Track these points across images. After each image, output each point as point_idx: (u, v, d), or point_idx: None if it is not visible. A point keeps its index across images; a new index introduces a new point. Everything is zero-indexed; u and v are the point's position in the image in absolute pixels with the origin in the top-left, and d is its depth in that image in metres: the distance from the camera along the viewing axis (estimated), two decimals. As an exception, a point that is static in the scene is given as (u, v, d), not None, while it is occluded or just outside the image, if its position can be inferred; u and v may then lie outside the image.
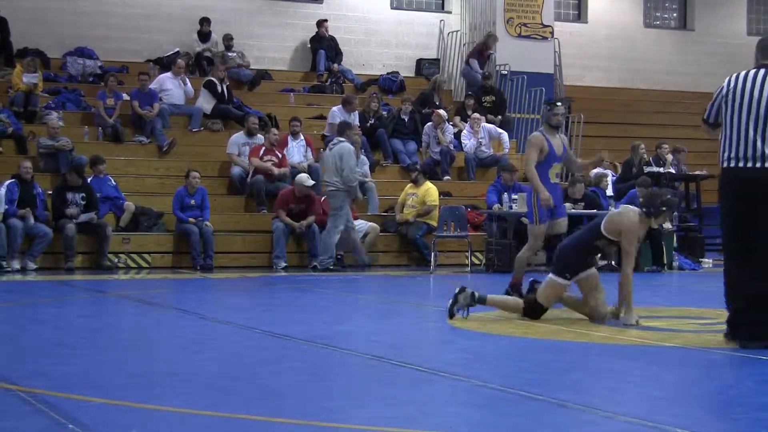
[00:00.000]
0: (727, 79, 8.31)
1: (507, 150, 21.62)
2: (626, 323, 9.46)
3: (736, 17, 29.50)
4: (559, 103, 12.22)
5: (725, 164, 8.13)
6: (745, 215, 8.10)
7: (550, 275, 9.82)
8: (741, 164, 8.03)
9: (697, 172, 21.05)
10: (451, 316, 10.02)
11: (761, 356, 7.78)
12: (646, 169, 19.82)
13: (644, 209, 9.60)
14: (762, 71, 8.18)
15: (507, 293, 11.50)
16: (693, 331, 9.28)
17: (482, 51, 23.78)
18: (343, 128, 17.45)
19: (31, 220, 16.25)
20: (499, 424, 5.55)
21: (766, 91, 8.06)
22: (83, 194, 16.78)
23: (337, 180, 16.70)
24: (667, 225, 16.87)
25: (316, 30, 23.94)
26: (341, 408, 5.91)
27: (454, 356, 8.00)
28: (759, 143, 7.97)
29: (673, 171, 20.64)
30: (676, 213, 19.22)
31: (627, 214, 9.65)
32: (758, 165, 7.98)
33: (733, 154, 8.06)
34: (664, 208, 9.56)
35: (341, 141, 17.16)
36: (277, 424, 5.51)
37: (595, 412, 5.78)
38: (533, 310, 9.80)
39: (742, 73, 8.23)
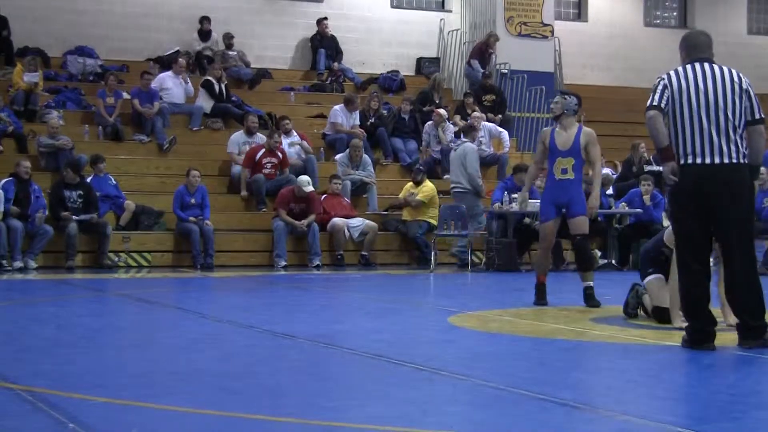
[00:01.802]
0: (665, 75, 8.19)
1: (507, 149, 21.62)
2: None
3: (736, 16, 29.50)
4: (558, 94, 11.90)
5: (681, 161, 7.95)
6: (703, 213, 7.96)
7: (648, 279, 9.89)
8: (699, 160, 7.89)
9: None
10: (629, 315, 10.13)
11: (762, 355, 7.78)
12: (647, 168, 19.82)
13: None
14: (706, 65, 8.16)
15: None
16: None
17: (483, 50, 23.78)
18: (466, 129, 18.32)
19: (36, 221, 16.27)
20: (500, 424, 5.55)
21: (710, 81, 8.04)
22: (80, 192, 16.78)
23: (463, 180, 17.46)
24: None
25: (317, 29, 23.94)
26: (341, 407, 5.91)
27: (455, 355, 7.99)
28: (711, 134, 7.89)
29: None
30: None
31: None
32: (716, 160, 7.87)
33: (689, 149, 7.90)
34: None
35: (465, 141, 17.93)
36: (278, 423, 5.51)
37: (595, 411, 5.79)
38: (662, 316, 9.77)
39: (680, 69, 8.19)
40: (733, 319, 9.21)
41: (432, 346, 8.75)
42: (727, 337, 8.82)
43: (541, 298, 11.42)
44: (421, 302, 12.70)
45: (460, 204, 17.53)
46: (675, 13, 29.41)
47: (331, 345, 8.29)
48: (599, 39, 27.83)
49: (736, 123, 7.96)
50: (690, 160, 7.92)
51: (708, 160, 7.89)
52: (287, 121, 19.67)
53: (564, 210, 11.34)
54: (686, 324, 8.68)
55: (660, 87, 8.10)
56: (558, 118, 11.41)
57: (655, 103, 8.04)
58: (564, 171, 11.26)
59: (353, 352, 7.95)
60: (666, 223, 17.61)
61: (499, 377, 6.82)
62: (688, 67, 8.19)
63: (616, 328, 9.54)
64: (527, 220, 17.72)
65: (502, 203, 17.21)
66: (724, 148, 7.89)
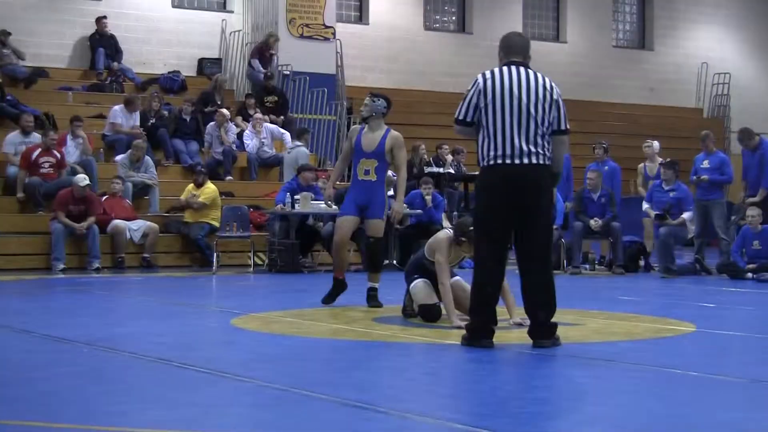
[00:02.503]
0: (480, 77, 8.21)
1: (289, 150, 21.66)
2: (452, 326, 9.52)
3: (513, 21, 30.21)
4: (368, 96, 11.71)
5: (490, 162, 8.06)
6: (508, 210, 8.10)
7: (414, 283, 10.16)
8: (508, 161, 8.01)
9: (475, 173, 21.47)
10: (408, 315, 10.25)
11: (541, 353, 8.00)
12: (427, 170, 20.17)
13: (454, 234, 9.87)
14: (516, 68, 8.23)
15: None
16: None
17: (264, 51, 23.77)
18: (301, 133, 18.76)
19: None
20: (283, 425, 5.55)
21: (524, 88, 8.12)
22: None
23: None
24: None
25: (96, 27, 23.48)
26: (123, 411, 5.82)
27: (238, 357, 7.97)
28: (521, 142, 8.02)
29: (453, 171, 21.04)
30: (455, 213, 19.64)
31: (438, 234, 10.15)
32: (525, 161, 8.03)
33: (500, 152, 8.02)
34: (464, 239, 9.69)
35: (299, 145, 18.39)
36: (58, 429, 5.39)
37: (378, 410, 5.84)
38: (428, 313, 10.05)
39: (496, 71, 8.22)
40: (517, 318, 9.49)
41: (214, 349, 8.71)
42: (509, 335, 9.06)
43: (332, 296, 11.41)
44: (203, 304, 12.61)
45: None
46: (454, 18, 29.98)
47: (111, 349, 8.15)
48: (380, 42, 28.15)
49: (544, 130, 8.12)
50: (499, 161, 8.03)
51: (517, 161, 8.02)
52: (79, 123, 19.15)
53: (362, 211, 11.31)
54: (465, 322, 8.87)
55: (470, 95, 8.16)
56: (366, 120, 11.38)
57: (460, 117, 8.21)
58: (366, 172, 11.22)
59: (134, 356, 7.84)
60: (446, 224, 18.00)
61: (282, 378, 6.82)
62: (504, 69, 8.24)
63: (398, 327, 9.67)
64: (311, 221, 17.79)
65: (284, 205, 17.22)
66: (532, 153, 8.04)
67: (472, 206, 20.78)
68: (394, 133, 11.40)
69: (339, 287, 11.48)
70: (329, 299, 11.45)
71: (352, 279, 14.89)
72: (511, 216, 8.11)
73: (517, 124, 8.04)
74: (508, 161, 8.02)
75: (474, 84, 8.19)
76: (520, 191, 8.08)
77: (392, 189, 13.04)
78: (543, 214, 8.25)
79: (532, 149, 8.04)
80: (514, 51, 8.42)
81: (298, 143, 18.63)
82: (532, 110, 8.08)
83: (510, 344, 8.58)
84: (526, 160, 8.04)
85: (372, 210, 11.27)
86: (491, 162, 8.07)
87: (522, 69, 8.25)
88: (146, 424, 5.48)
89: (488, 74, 8.21)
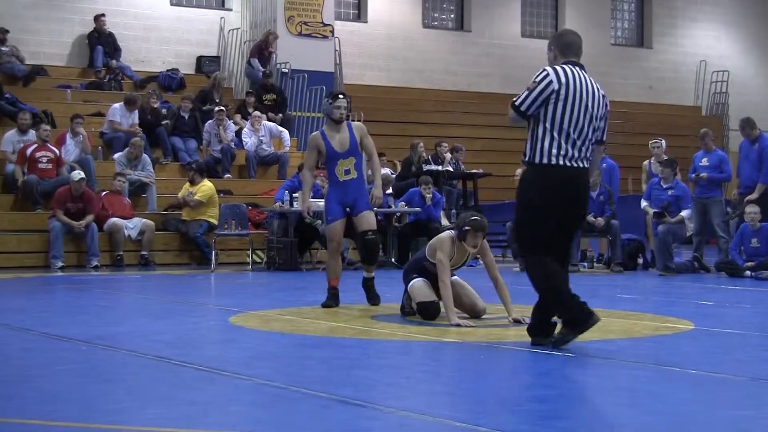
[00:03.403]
0: (551, 73, 7.94)
1: (288, 148, 21.69)
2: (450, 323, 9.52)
3: (511, 19, 30.28)
4: (341, 96, 11.39)
5: (552, 161, 7.89)
6: (563, 210, 7.99)
7: (412, 283, 10.18)
8: (569, 163, 7.90)
9: (474, 171, 21.51)
10: (407, 314, 10.23)
11: (539, 350, 8.00)
12: (426, 168, 20.15)
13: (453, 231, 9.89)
14: (580, 71, 8.05)
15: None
16: (473, 326, 9.45)
17: (263, 49, 23.77)
18: None
19: None
20: (282, 423, 5.56)
21: (590, 93, 7.99)
22: None
23: None
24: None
25: (94, 25, 23.47)
26: (123, 410, 5.82)
27: (237, 355, 7.97)
28: (581, 145, 7.94)
29: (452, 169, 21.04)
30: (454, 211, 19.63)
31: (441, 235, 10.14)
32: (581, 165, 7.97)
33: (563, 152, 7.87)
34: (467, 228, 9.71)
35: None
36: (56, 427, 5.38)
37: (376, 408, 5.84)
38: (426, 310, 10.03)
39: (567, 69, 7.97)
40: (516, 316, 9.51)
41: (213, 347, 8.71)
42: (508, 333, 9.07)
43: (331, 301, 11.22)
44: (202, 302, 12.60)
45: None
46: (452, 16, 29.98)
47: (110, 347, 8.15)
48: (378, 40, 28.17)
49: (595, 138, 8.08)
50: (561, 161, 7.89)
51: (576, 164, 7.93)
52: (79, 120, 19.16)
53: (349, 209, 11.29)
54: (464, 320, 8.86)
55: (539, 88, 7.90)
56: (339, 122, 11.26)
57: (523, 108, 7.95)
58: (347, 172, 11.19)
59: (133, 354, 7.84)
60: (445, 222, 18.02)
61: (281, 376, 6.82)
62: (570, 69, 8.01)
63: (396, 325, 9.67)
64: (308, 219, 17.78)
65: (283, 202, 17.22)
66: (586, 158, 8.01)
67: (470, 204, 20.81)
68: (355, 123, 11.55)
69: (335, 296, 11.28)
70: (329, 303, 11.23)
71: (353, 277, 14.90)
72: (560, 216, 8.02)
73: (581, 127, 7.92)
74: (569, 163, 7.91)
75: (544, 78, 7.93)
76: (575, 194, 8.02)
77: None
78: (584, 213, 8.32)
79: (587, 154, 8.00)
80: (573, 51, 8.18)
81: None
82: (594, 117, 7.99)
83: (508, 342, 8.59)
84: (581, 164, 7.98)
85: (359, 205, 11.29)
86: (552, 161, 7.90)
87: (585, 73, 8.10)
88: (145, 422, 5.48)
89: (560, 71, 7.96)
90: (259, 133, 21.26)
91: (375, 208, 11.65)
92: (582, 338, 8.79)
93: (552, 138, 7.91)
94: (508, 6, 30.22)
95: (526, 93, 7.95)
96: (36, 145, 18.08)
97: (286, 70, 23.98)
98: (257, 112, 21.61)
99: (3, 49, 22.15)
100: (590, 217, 17.04)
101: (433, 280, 9.88)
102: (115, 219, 17.53)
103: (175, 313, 11.23)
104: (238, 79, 24.94)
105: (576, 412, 5.94)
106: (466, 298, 10.02)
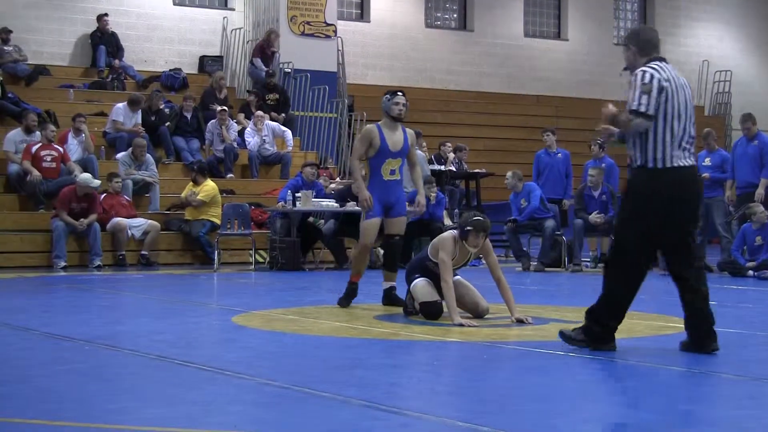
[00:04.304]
0: (655, 71, 7.69)
1: (290, 148, 21.69)
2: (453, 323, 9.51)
3: (514, 19, 30.28)
4: (399, 93, 11.36)
5: (662, 164, 7.65)
6: (671, 213, 7.75)
7: (414, 283, 10.13)
8: (680, 163, 7.68)
9: (477, 170, 21.50)
10: (409, 314, 10.22)
11: (540, 349, 8.00)
12: (428, 167, 20.13)
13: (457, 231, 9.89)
14: (670, 67, 7.82)
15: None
16: (476, 326, 9.44)
17: (265, 49, 23.76)
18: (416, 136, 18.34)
19: None
20: (284, 422, 5.55)
21: (686, 89, 7.81)
22: None
23: (409, 185, 17.41)
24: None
25: (97, 25, 23.47)
26: (124, 409, 5.82)
27: (238, 354, 7.97)
28: (685, 144, 7.74)
29: (455, 169, 21.03)
30: (456, 210, 19.63)
31: (443, 234, 10.13)
32: (689, 163, 7.75)
33: (672, 154, 7.65)
34: (469, 228, 9.71)
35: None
36: (57, 427, 5.38)
37: (378, 408, 5.84)
38: (429, 310, 10.04)
39: (665, 67, 7.74)
40: (518, 316, 9.52)
41: (215, 346, 8.71)
42: (510, 333, 9.07)
43: (348, 299, 11.07)
44: (204, 302, 12.61)
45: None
46: (455, 15, 29.97)
47: (112, 347, 8.15)
48: (381, 39, 28.17)
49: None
50: (676, 163, 7.67)
51: (685, 163, 7.70)
52: (81, 119, 19.17)
53: (387, 210, 11.14)
54: (467, 320, 8.86)
55: (655, 87, 7.63)
56: (397, 119, 11.16)
57: (650, 112, 7.59)
58: (392, 172, 11.10)
59: (135, 354, 7.84)
60: (447, 221, 18.01)
61: (283, 376, 6.82)
62: (668, 66, 7.79)
63: (399, 325, 9.66)
64: (311, 219, 17.80)
65: (286, 202, 17.21)
66: (691, 156, 7.78)
67: (473, 204, 20.81)
68: (409, 130, 11.36)
69: (354, 291, 11.14)
70: (345, 302, 11.11)
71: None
72: (675, 219, 7.77)
73: (684, 125, 7.71)
74: (683, 162, 7.69)
75: (652, 77, 7.65)
76: (698, 193, 7.85)
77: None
78: (698, 218, 8.14)
79: (692, 151, 7.80)
80: (654, 46, 7.93)
81: None
82: (690, 114, 7.80)
83: (511, 342, 8.59)
84: (689, 162, 7.76)
85: (397, 208, 11.21)
86: (668, 164, 7.66)
87: (673, 68, 7.84)
88: (147, 422, 5.47)
89: (660, 69, 7.71)
90: (262, 133, 21.26)
91: (412, 216, 11.49)
92: (584, 338, 8.79)
93: (664, 140, 7.65)
94: (511, 6, 30.21)
95: (644, 95, 7.62)
96: (41, 144, 18.09)
97: (289, 70, 23.97)
98: (260, 112, 21.60)
99: (6, 48, 22.15)
100: (593, 216, 17.03)
101: (436, 280, 9.88)
102: (118, 219, 17.53)
103: (178, 312, 11.23)
104: (240, 78, 24.93)
105: (577, 412, 5.93)
106: (468, 297, 10.02)
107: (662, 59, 7.85)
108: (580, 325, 7.99)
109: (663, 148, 7.66)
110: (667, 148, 7.66)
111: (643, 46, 7.91)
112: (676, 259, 7.97)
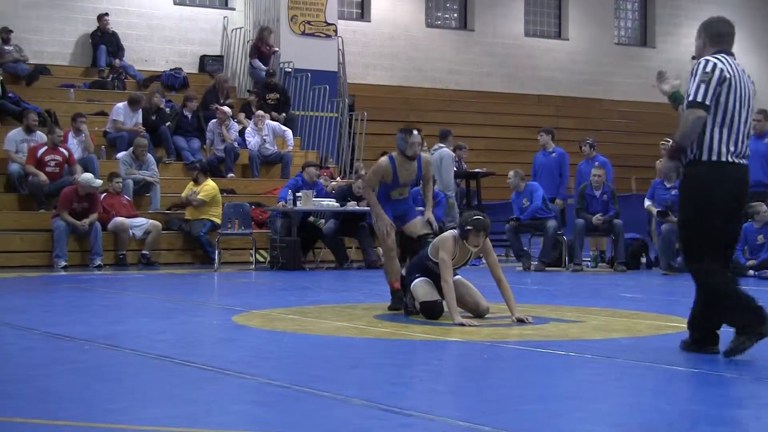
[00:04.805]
0: (717, 62, 7.55)
1: (291, 147, 21.69)
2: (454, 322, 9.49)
3: (514, 19, 30.26)
4: (416, 131, 10.99)
5: (729, 159, 7.50)
6: (733, 215, 7.66)
7: (414, 283, 10.09)
8: (741, 160, 7.56)
9: (477, 170, 21.50)
10: (410, 314, 10.20)
11: (540, 349, 7.99)
12: (429, 167, 20.10)
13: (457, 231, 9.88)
14: (735, 61, 7.68)
15: None
16: (476, 326, 9.44)
17: (260, 47, 23.75)
18: (445, 134, 19.07)
19: None
20: (285, 422, 5.55)
21: (749, 85, 7.68)
22: None
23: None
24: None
25: (97, 24, 23.47)
26: (125, 409, 5.81)
27: (239, 354, 7.97)
28: (746, 140, 7.62)
29: (455, 168, 21.01)
30: (458, 210, 19.63)
31: (444, 234, 10.11)
32: (746, 162, 7.64)
33: (739, 150, 7.53)
34: (469, 228, 9.71)
35: (442, 147, 18.62)
36: (58, 426, 5.38)
37: (379, 407, 5.84)
38: (429, 310, 10.01)
39: (728, 60, 7.59)
40: (519, 315, 9.52)
41: (216, 346, 8.71)
42: (510, 333, 9.06)
43: (397, 304, 10.77)
44: (205, 302, 12.61)
45: None
46: (456, 15, 29.96)
47: (113, 346, 8.15)
48: (382, 39, 28.16)
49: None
50: (736, 159, 7.52)
51: (746, 161, 7.60)
52: (82, 119, 19.17)
53: (399, 221, 11.08)
54: (467, 319, 8.83)
55: (714, 79, 7.46)
56: (411, 158, 10.95)
57: (707, 102, 7.43)
58: (400, 194, 11.05)
59: (136, 353, 7.84)
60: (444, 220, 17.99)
61: (284, 375, 6.82)
62: (733, 61, 7.64)
63: (400, 325, 9.66)
64: (312, 218, 17.80)
65: (286, 202, 17.21)
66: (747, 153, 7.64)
67: (473, 203, 20.79)
68: (424, 158, 11.20)
69: (399, 298, 10.76)
70: (395, 306, 10.78)
71: (351, 276, 14.91)
72: (731, 216, 7.65)
73: (745, 121, 7.59)
74: (740, 160, 7.56)
75: (714, 67, 7.50)
76: (745, 192, 7.73)
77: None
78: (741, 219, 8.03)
79: (747, 150, 7.66)
80: (724, 40, 7.79)
81: (441, 144, 19.07)
82: (751, 110, 7.67)
83: (512, 342, 8.59)
84: (746, 161, 7.65)
85: (410, 215, 11.22)
86: (728, 159, 7.50)
87: (738, 63, 7.71)
88: (147, 422, 5.47)
89: (722, 60, 7.56)
90: (263, 133, 21.26)
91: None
92: (585, 337, 8.80)
93: (722, 133, 7.51)
94: (512, 5, 30.20)
95: (702, 85, 7.47)
96: (46, 147, 18.05)
97: (290, 70, 23.97)
98: (260, 112, 21.61)
99: (6, 48, 22.15)
100: (595, 219, 17.01)
101: (436, 280, 9.88)
102: (119, 218, 17.52)
103: (178, 312, 11.23)
104: (241, 78, 24.93)
105: (578, 411, 5.93)
106: (469, 297, 10.02)
107: (730, 54, 7.69)
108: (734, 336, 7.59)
109: (713, 142, 7.51)
110: (719, 143, 7.49)
111: (712, 37, 7.77)
112: (731, 253, 7.85)
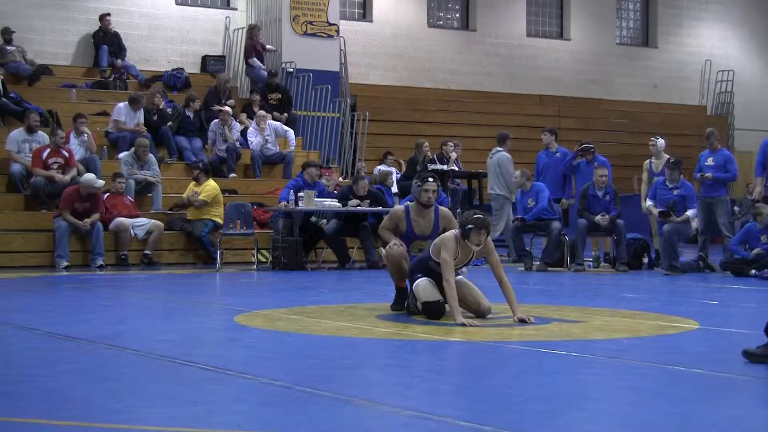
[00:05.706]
0: None
1: (293, 147, 21.68)
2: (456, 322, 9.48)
3: (516, 19, 30.25)
4: (430, 179, 10.65)
5: None
6: None
7: (416, 283, 10.09)
8: None
9: (479, 170, 21.49)
10: (412, 313, 10.18)
11: (543, 349, 7.99)
12: (430, 167, 20.12)
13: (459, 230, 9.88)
14: None
15: None
16: (478, 326, 9.44)
17: (254, 45, 23.73)
18: (503, 138, 19.63)
19: None
20: (287, 422, 5.55)
21: None
22: None
23: (495, 186, 19.21)
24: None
25: (99, 24, 23.47)
26: (127, 409, 5.82)
27: (241, 354, 7.97)
28: None
29: (457, 168, 21.02)
30: (459, 210, 19.61)
31: (445, 234, 10.08)
32: None
33: None
34: (470, 226, 9.71)
35: (500, 150, 19.25)
36: (60, 426, 5.38)
37: (381, 407, 5.84)
38: (430, 310, 9.98)
39: None
40: (521, 315, 9.52)
41: (218, 346, 8.71)
42: (512, 332, 9.06)
43: (401, 301, 10.69)
44: (207, 302, 12.61)
45: (494, 204, 19.40)
46: (458, 15, 29.96)
47: (114, 346, 8.15)
48: (384, 39, 28.16)
49: None
50: None
51: None
52: (83, 120, 19.18)
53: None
54: (469, 319, 8.83)
55: None
56: (426, 206, 10.66)
57: None
58: (420, 250, 10.58)
59: (137, 353, 7.84)
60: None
61: (286, 375, 6.82)
62: None
63: (401, 325, 9.66)
64: (313, 218, 17.79)
65: (288, 202, 17.21)
66: None
67: (475, 203, 20.80)
68: (443, 211, 10.83)
69: (403, 295, 10.70)
70: (397, 307, 10.72)
71: (353, 275, 14.92)
72: None
73: None
74: None
75: None
76: None
77: None
78: None
79: None
80: None
81: (499, 148, 19.31)
82: None
83: (514, 342, 8.59)
84: None
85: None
86: None
87: None
88: (149, 422, 5.47)
89: None
90: (264, 133, 21.26)
91: None
92: (586, 337, 8.80)
93: None
94: (513, 5, 30.20)
95: None
96: (50, 149, 18.05)
97: (291, 70, 23.97)
98: (262, 112, 21.60)
99: (8, 48, 22.15)
100: (598, 218, 16.98)
101: (438, 280, 9.88)
102: (121, 218, 17.53)
103: (180, 312, 11.24)
104: (242, 78, 24.93)
105: (580, 411, 5.93)
106: (471, 297, 10.01)
107: None
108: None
109: None
110: None
111: None
112: None
